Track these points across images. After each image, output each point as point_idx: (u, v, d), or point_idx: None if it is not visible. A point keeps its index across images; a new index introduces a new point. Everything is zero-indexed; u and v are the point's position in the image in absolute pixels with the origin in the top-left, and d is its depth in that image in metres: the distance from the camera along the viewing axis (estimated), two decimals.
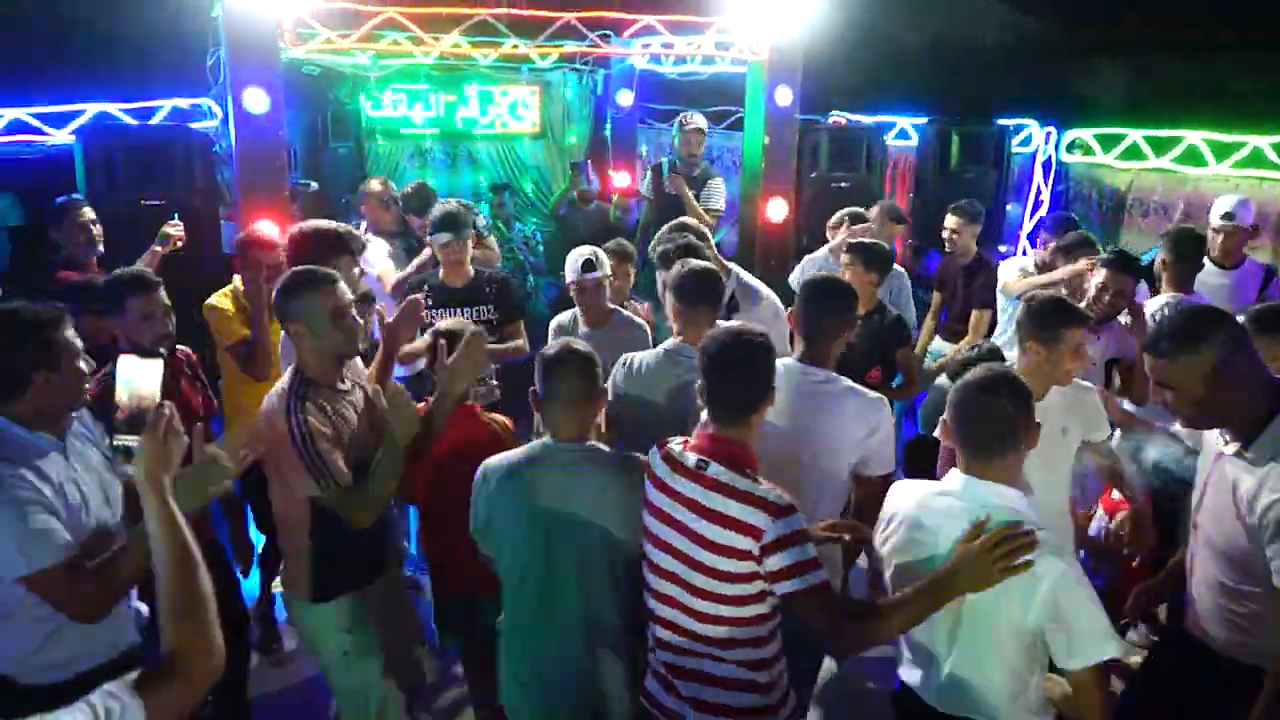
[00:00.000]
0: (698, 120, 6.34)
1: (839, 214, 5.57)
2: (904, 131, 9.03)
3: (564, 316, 4.30)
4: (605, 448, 2.70)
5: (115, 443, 1.92)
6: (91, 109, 7.32)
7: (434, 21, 5.49)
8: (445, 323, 3.51)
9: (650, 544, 2.49)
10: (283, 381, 2.87)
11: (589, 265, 4.07)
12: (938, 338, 5.87)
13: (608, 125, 9.25)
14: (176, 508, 1.82)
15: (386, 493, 2.84)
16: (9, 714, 2.51)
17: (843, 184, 6.82)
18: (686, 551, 2.38)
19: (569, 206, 7.88)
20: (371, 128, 8.34)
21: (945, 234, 5.69)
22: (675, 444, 2.50)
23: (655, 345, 3.65)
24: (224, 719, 3.42)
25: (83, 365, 2.42)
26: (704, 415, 2.49)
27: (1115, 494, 3.85)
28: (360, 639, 2.98)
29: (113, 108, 7.39)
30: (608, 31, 6.07)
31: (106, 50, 7.94)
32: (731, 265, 4.33)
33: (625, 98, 9.02)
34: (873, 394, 3.17)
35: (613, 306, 4.20)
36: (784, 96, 6.33)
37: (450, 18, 5.50)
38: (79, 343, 2.42)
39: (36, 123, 7.31)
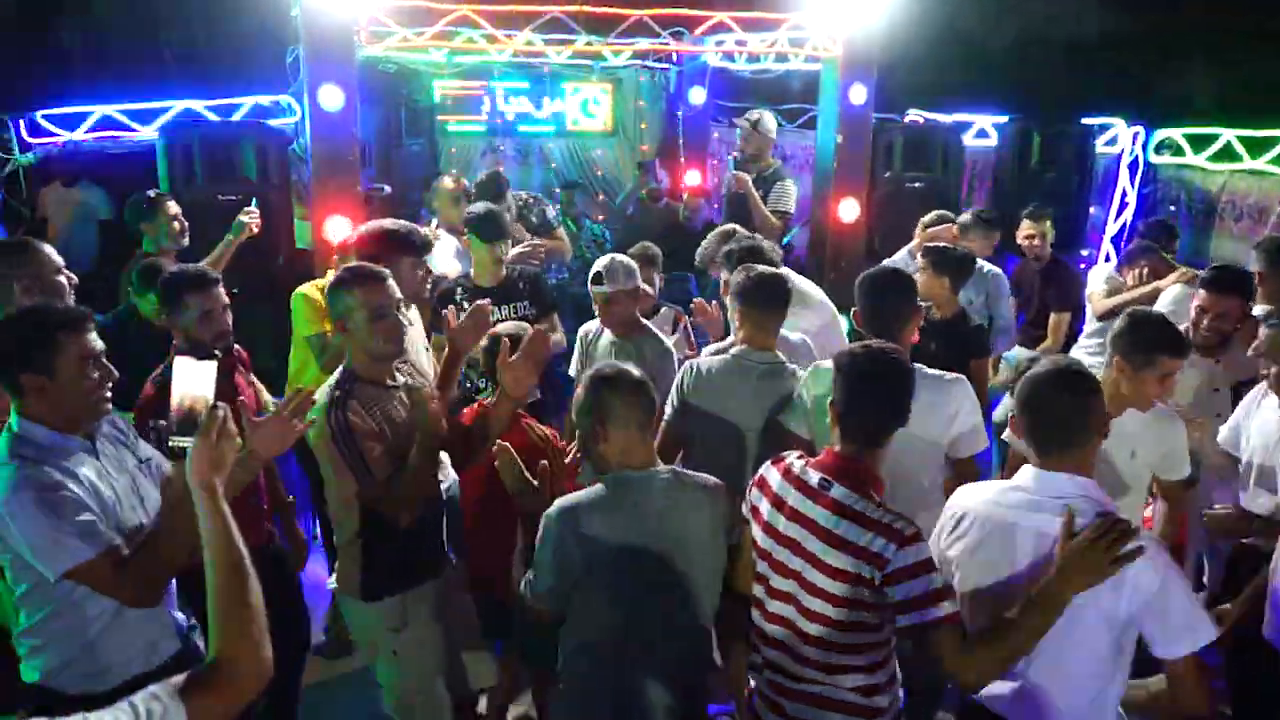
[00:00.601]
0: (761, 119, 6.25)
1: (930, 215, 5.42)
2: (983, 131, 8.80)
3: (590, 325, 4.16)
4: (685, 470, 2.63)
5: (170, 444, 1.91)
6: (177, 105, 7.53)
7: (507, 18, 5.52)
8: (504, 326, 3.50)
9: (764, 563, 2.42)
10: (332, 377, 2.91)
11: (597, 279, 3.90)
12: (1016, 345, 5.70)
13: (679, 123, 9.18)
14: (229, 511, 1.80)
15: (412, 493, 2.82)
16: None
17: (917, 184, 6.66)
18: (801, 572, 2.31)
19: (637, 205, 7.85)
20: (444, 125, 8.40)
21: (1020, 238, 5.52)
22: (794, 460, 2.43)
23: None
24: (270, 714, 3.44)
25: (94, 373, 2.39)
26: (835, 432, 2.40)
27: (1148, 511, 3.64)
28: (409, 640, 2.97)
29: (197, 104, 7.58)
30: (680, 29, 6.02)
31: (194, 48, 8.16)
32: (785, 271, 4.22)
33: (697, 95, 8.96)
34: (947, 374, 3.13)
35: (639, 320, 4.04)
36: (858, 94, 6.21)
37: (523, 14, 5.52)
38: (96, 347, 2.39)
39: (124, 119, 7.55)
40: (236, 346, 3.52)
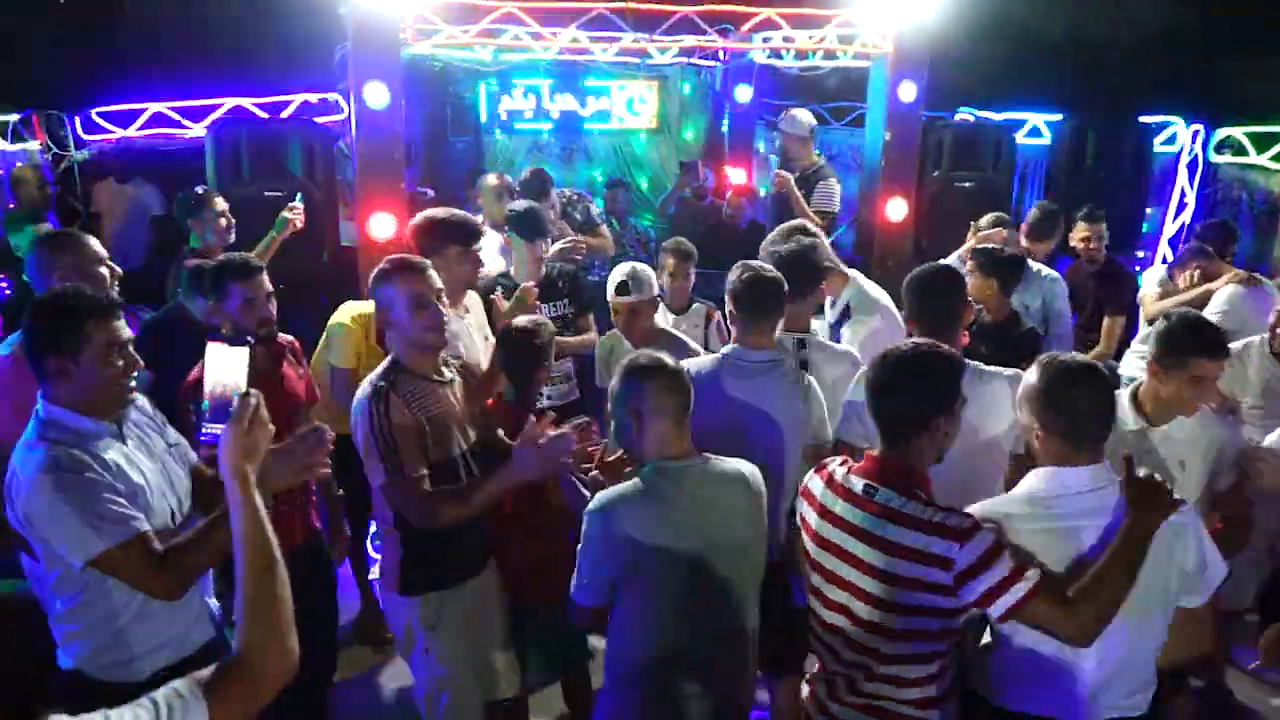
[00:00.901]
0: (785, 118, 6.16)
1: (986, 217, 5.30)
2: (1036, 129, 8.62)
3: (610, 337, 4.04)
4: (721, 458, 2.58)
5: (205, 430, 1.89)
6: (227, 103, 7.63)
7: (552, 15, 5.50)
8: (519, 320, 3.48)
9: (817, 574, 2.37)
10: (379, 367, 2.93)
11: (623, 288, 3.82)
12: None
13: (725, 121, 9.11)
14: (260, 501, 1.78)
15: (447, 522, 2.81)
16: (79, 709, 2.58)
17: (967, 184, 6.53)
18: (854, 581, 2.26)
19: (679, 204, 7.80)
20: (490, 122, 8.41)
21: (1074, 240, 5.39)
22: (837, 467, 2.39)
23: None
24: (301, 709, 3.46)
25: (119, 361, 2.38)
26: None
27: None
28: (441, 639, 2.96)
29: (246, 102, 7.67)
30: (727, 25, 5.96)
31: (245, 46, 8.25)
32: (853, 273, 4.13)
33: (743, 93, 8.86)
34: (1005, 370, 3.07)
35: (661, 328, 3.94)
36: (908, 92, 6.09)
37: (568, 11, 5.49)
38: (123, 335, 2.38)
39: (176, 116, 7.66)
40: (289, 337, 3.56)
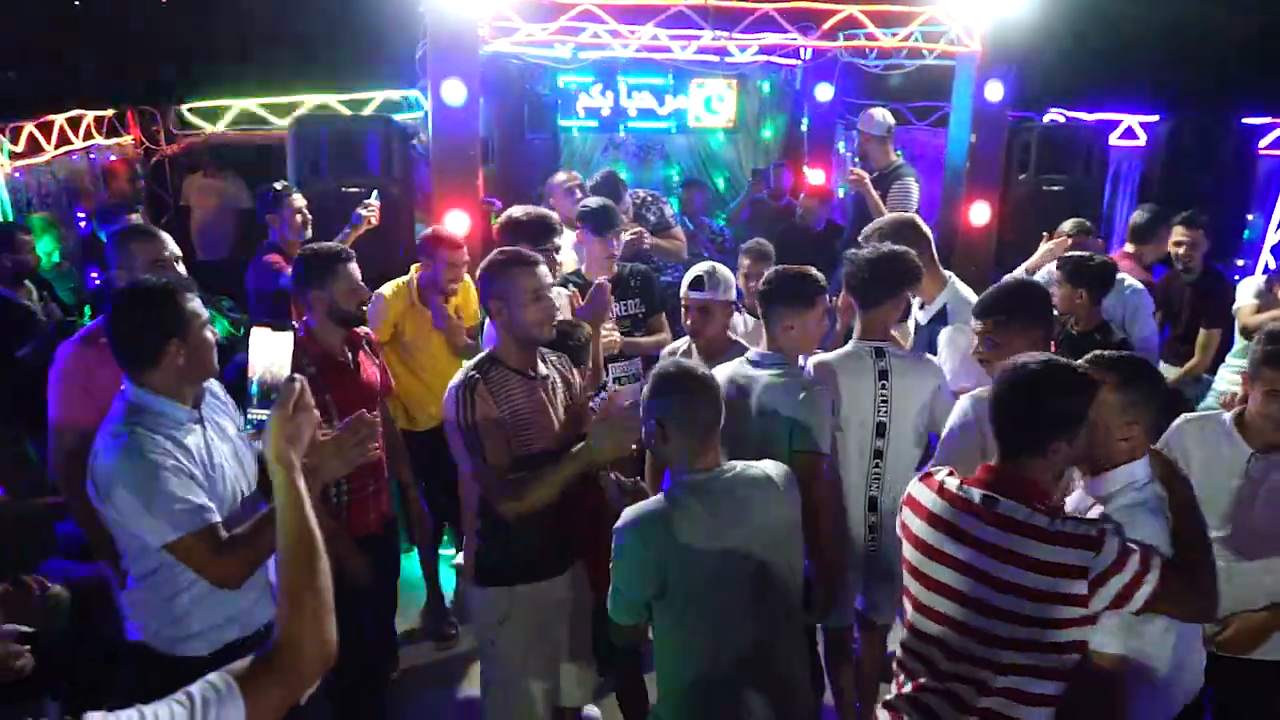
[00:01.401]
0: (877, 118, 6.00)
1: (1067, 223, 5.09)
2: (1131, 131, 8.29)
3: (678, 344, 3.88)
4: (749, 462, 2.51)
5: (249, 416, 1.88)
6: (311, 99, 7.78)
7: (630, 13, 5.46)
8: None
9: (918, 583, 2.29)
10: (476, 357, 2.96)
11: (697, 283, 3.65)
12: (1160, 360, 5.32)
13: (804, 120, 8.97)
14: (304, 487, 1.74)
15: (531, 504, 2.77)
16: (146, 681, 2.64)
17: (1055, 187, 6.29)
18: (966, 592, 2.18)
19: (754, 205, 7.71)
20: (568, 119, 8.41)
21: (1170, 247, 5.14)
22: (946, 476, 2.31)
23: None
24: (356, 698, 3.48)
25: (209, 335, 2.48)
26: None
27: None
28: (506, 636, 2.93)
29: (330, 98, 7.82)
30: (808, 23, 5.84)
31: (329, 44, 8.42)
32: (949, 275, 3.99)
33: (824, 92, 8.72)
34: None
35: (733, 338, 3.79)
36: (994, 91, 5.91)
37: (646, 8, 5.44)
38: (205, 313, 2.49)
39: (263, 112, 7.85)
40: (365, 329, 3.61)
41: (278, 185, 4.88)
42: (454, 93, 5.15)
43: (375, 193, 4.93)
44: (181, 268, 3.32)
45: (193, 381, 2.48)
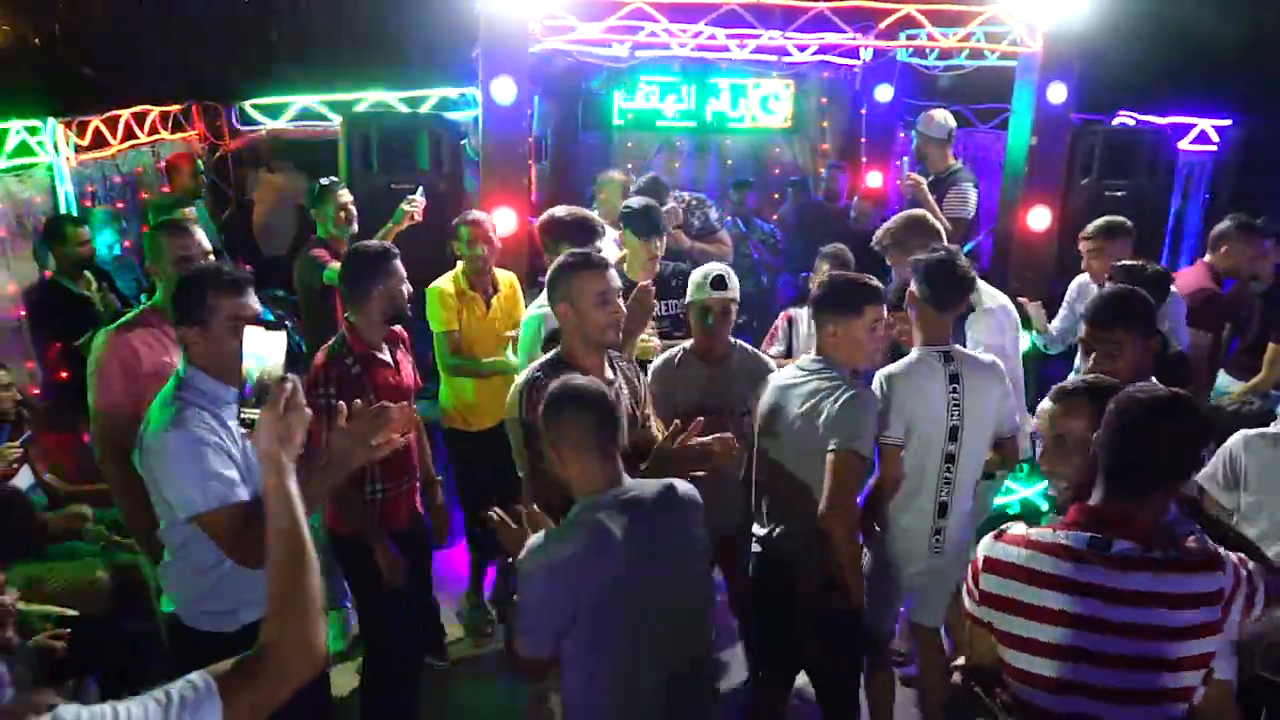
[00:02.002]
0: (923, 118, 5.87)
1: (1095, 223, 4.89)
2: (1205, 135, 8.00)
3: (672, 353, 3.78)
4: (648, 481, 2.47)
5: (242, 415, 1.82)
6: (369, 96, 7.88)
7: (681, 10, 5.41)
8: None
9: (1026, 653, 2.08)
10: (542, 358, 3.01)
11: (720, 282, 3.60)
12: (1222, 373, 5.11)
13: (863, 122, 8.83)
14: (295, 489, 1.73)
15: None
16: (181, 654, 2.69)
17: (1118, 193, 6.08)
18: (1084, 647, 2.01)
19: (803, 210, 7.62)
20: (623, 118, 8.38)
21: None
22: (1023, 528, 2.13)
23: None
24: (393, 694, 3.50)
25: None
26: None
27: None
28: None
29: (387, 95, 7.91)
30: (866, 23, 5.74)
31: (388, 42, 8.53)
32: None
33: (884, 93, 8.56)
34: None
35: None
36: (1057, 93, 5.74)
37: (699, 7, 5.39)
38: (249, 312, 2.54)
39: (322, 109, 7.97)
40: (402, 329, 3.66)
41: (324, 181, 4.93)
42: (504, 91, 5.16)
43: (420, 189, 4.95)
44: (212, 260, 3.37)
45: (219, 370, 2.54)
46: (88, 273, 5.15)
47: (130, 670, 3.55)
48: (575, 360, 2.91)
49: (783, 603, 3.17)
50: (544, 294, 3.72)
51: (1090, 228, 4.77)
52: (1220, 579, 1.98)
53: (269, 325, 1.84)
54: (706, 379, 3.63)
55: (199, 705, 1.45)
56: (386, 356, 3.44)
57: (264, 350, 1.84)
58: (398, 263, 3.42)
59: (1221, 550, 2.03)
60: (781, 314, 4.84)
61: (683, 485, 2.47)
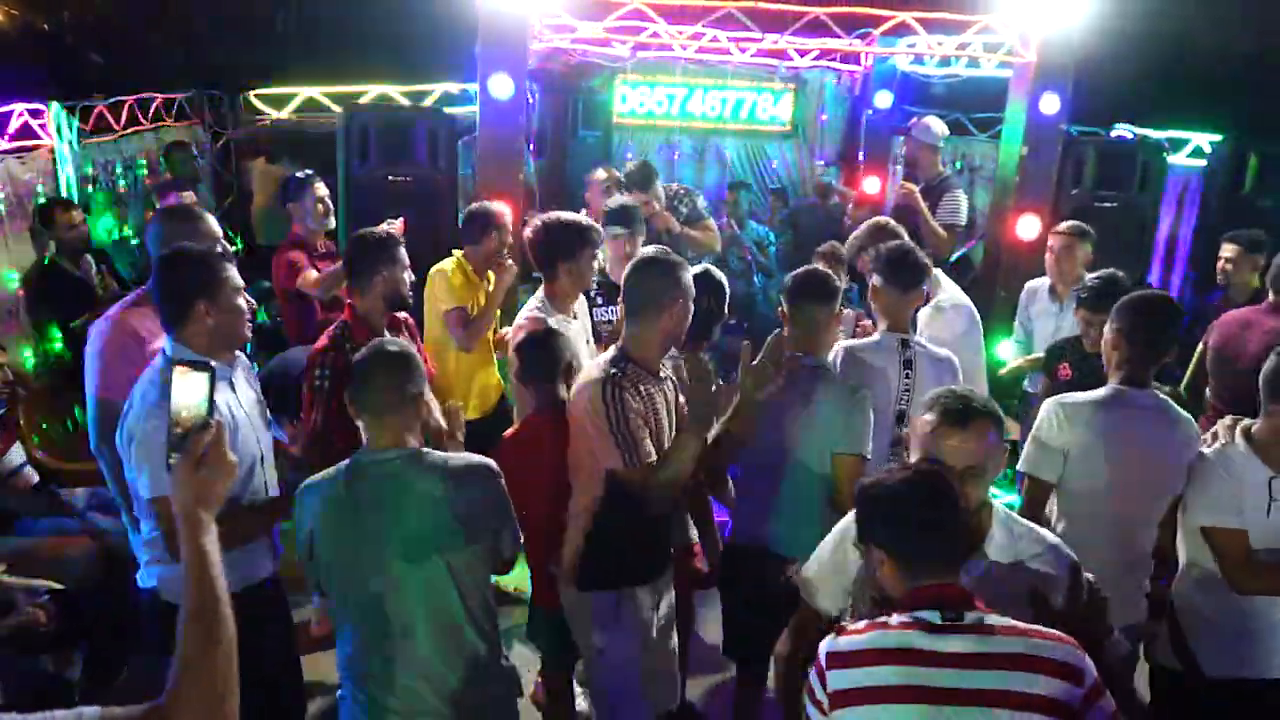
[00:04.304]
0: (917, 125, 5.93)
1: (1063, 225, 4.89)
2: (1201, 149, 8.04)
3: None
4: (433, 451, 2.48)
5: (170, 461, 1.64)
6: (373, 89, 7.95)
7: (678, 13, 5.47)
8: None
9: None
10: (605, 356, 2.91)
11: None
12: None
13: (861, 128, 8.89)
14: (214, 551, 1.55)
15: (681, 476, 2.79)
16: (160, 628, 2.72)
17: (1108, 204, 6.12)
18: None
19: (801, 209, 7.67)
20: (621, 119, 8.44)
21: (1219, 265, 4.99)
22: (855, 624, 1.97)
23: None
24: None
25: (241, 302, 2.65)
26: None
27: None
28: (616, 640, 2.89)
29: (391, 89, 7.98)
30: (865, 29, 5.79)
31: (393, 36, 8.60)
32: (934, 270, 4.05)
33: (883, 99, 8.61)
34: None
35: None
36: (1050, 103, 5.79)
37: (696, 9, 5.45)
38: (239, 281, 2.65)
39: (326, 101, 8.03)
40: (404, 314, 3.71)
41: (298, 173, 4.89)
42: (501, 87, 5.22)
43: (402, 219, 4.67)
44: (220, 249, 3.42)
45: (223, 344, 2.62)
46: (89, 255, 5.20)
47: (115, 642, 3.62)
48: (642, 358, 2.85)
49: (752, 592, 3.21)
50: (535, 307, 3.78)
51: (1070, 224, 4.80)
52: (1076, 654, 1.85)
53: (194, 365, 1.70)
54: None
55: None
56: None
57: (188, 391, 1.67)
58: (401, 250, 3.47)
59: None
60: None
61: (464, 459, 2.49)
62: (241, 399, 2.71)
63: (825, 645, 1.96)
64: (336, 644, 2.52)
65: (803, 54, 7.03)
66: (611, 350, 2.89)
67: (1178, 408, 2.94)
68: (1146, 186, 6.23)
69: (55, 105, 5.62)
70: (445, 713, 2.41)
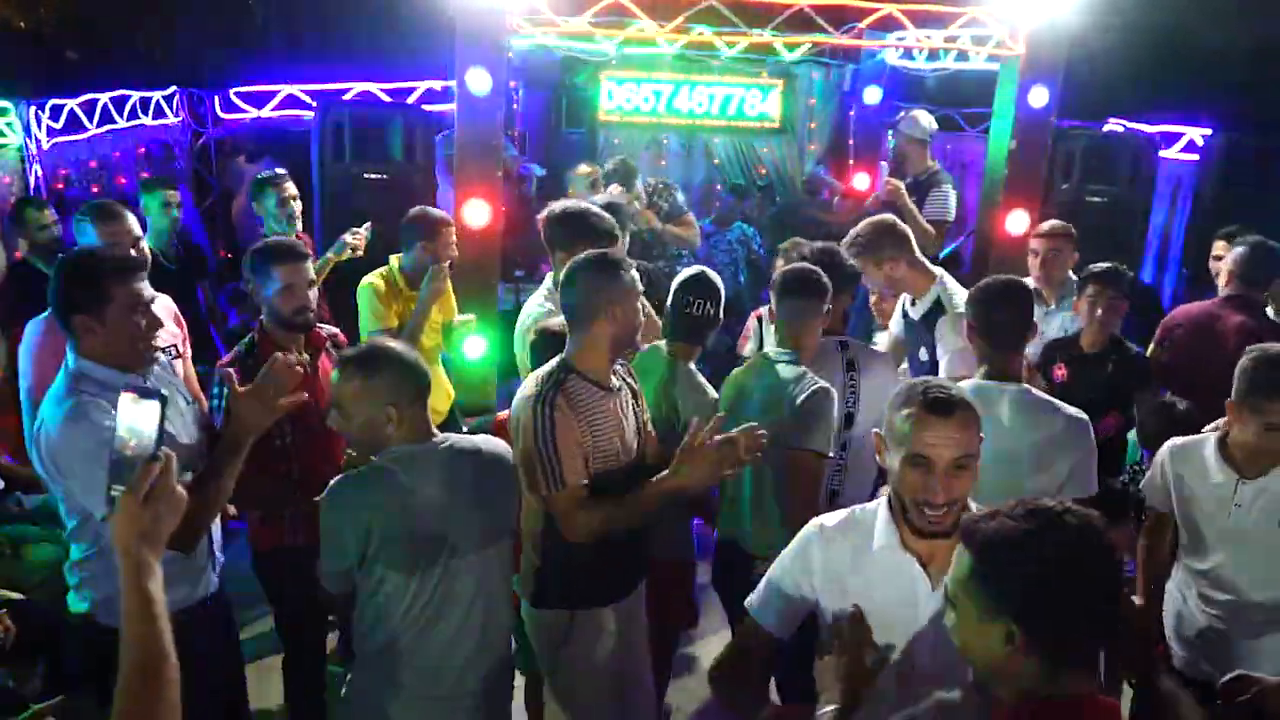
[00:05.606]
0: (903, 119, 5.85)
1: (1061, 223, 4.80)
2: (1194, 144, 7.95)
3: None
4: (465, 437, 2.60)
5: (110, 494, 1.54)
6: (356, 87, 7.84)
7: (662, 8, 5.37)
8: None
9: None
10: (542, 370, 2.71)
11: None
12: None
13: (850, 123, 8.80)
14: (160, 597, 1.46)
15: (605, 532, 2.63)
16: (93, 651, 2.63)
17: (1098, 199, 6.05)
18: None
19: (778, 211, 7.60)
20: (607, 115, 8.33)
21: (1211, 262, 4.91)
22: None
23: None
24: None
25: (139, 319, 2.44)
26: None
27: None
28: (571, 659, 2.79)
29: (374, 86, 7.87)
30: (850, 23, 5.70)
31: (375, 32, 8.51)
32: (938, 271, 3.90)
33: (873, 94, 8.53)
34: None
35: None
36: (1039, 97, 5.69)
37: (677, 4, 5.35)
38: (143, 295, 2.46)
39: (308, 99, 7.93)
40: (333, 329, 3.46)
41: (263, 173, 4.78)
42: (479, 82, 5.12)
43: (368, 225, 4.67)
44: (145, 249, 3.32)
45: (116, 362, 2.43)
46: (61, 255, 5.09)
47: (76, 655, 3.52)
48: (591, 367, 2.67)
49: (742, 588, 3.11)
50: (544, 296, 3.71)
51: (1057, 225, 4.69)
52: None
53: (142, 392, 1.62)
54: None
55: None
56: (308, 363, 3.11)
57: (135, 421, 1.60)
58: (296, 265, 3.10)
59: None
60: (753, 313, 4.81)
61: (487, 442, 2.58)
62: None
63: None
64: (357, 635, 2.54)
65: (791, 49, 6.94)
66: (552, 363, 2.71)
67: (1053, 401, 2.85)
68: (1137, 182, 6.15)
69: (22, 103, 5.51)
70: (476, 690, 2.55)
